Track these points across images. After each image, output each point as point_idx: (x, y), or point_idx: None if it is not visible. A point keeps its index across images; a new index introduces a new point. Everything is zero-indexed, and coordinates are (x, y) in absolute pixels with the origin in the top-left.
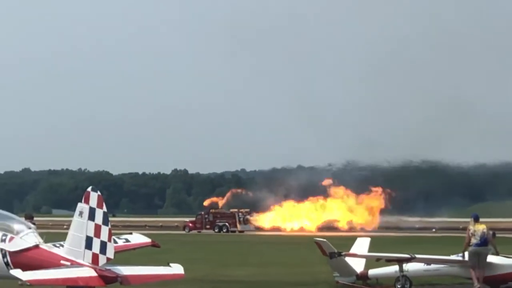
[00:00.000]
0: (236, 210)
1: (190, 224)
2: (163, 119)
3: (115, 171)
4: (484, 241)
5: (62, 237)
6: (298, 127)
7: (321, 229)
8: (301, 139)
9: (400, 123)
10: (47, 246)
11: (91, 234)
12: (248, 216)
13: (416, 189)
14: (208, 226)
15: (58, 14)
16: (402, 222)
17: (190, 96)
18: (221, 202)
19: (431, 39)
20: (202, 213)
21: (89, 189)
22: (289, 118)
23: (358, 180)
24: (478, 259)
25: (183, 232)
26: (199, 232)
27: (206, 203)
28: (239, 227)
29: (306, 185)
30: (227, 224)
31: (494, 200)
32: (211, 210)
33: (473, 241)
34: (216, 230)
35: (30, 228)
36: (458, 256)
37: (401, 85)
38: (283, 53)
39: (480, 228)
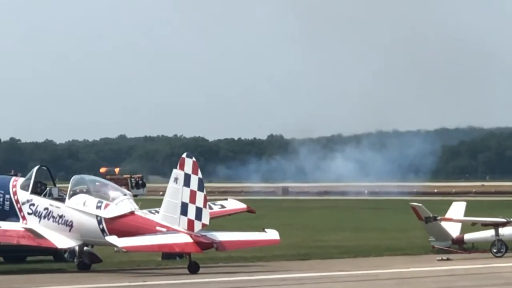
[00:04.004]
0: (129, 175)
1: None
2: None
3: (211, 137)
4: None
5: (158, 203)
6: None
7: None
8: None
9: None
10: (142, 213)
11: (187, 200)
12: (143, 181)
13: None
14: None
15: None
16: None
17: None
18: (118, 169)
19: None
20: None
21: (184, 155)
22: None
23: None
24: None
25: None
26: None
27: (102, 170)
28: (131, 191)
29: None
30: None
31: None
32: (106, 176)
33: None
34: None
35: (125, 194)
36: None
37: None
38: None
39: None
